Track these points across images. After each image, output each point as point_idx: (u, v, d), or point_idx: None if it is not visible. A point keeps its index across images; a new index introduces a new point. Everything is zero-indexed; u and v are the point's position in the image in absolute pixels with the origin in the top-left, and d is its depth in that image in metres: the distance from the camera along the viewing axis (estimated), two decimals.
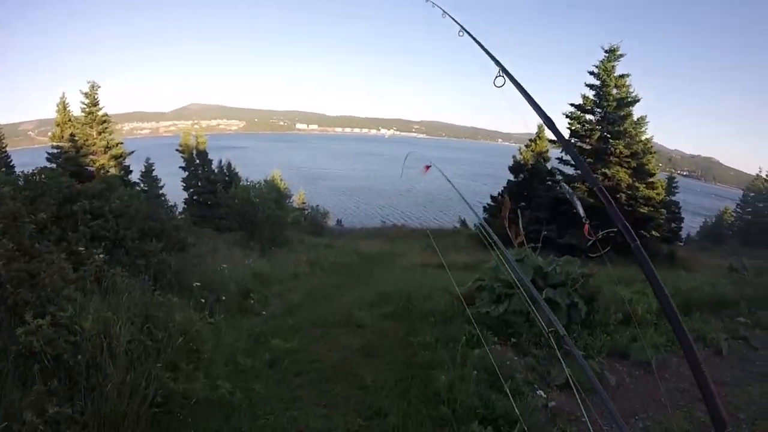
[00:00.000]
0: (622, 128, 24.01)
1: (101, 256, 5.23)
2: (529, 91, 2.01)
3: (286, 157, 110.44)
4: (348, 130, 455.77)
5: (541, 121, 1.95)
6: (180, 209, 35.17)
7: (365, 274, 14.53)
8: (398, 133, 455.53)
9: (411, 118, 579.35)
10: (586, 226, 1.74)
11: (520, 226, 6.53)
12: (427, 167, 3.89)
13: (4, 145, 35.67)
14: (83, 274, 4.60)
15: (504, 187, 32.11)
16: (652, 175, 24.65)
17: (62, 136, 27.99)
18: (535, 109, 1.94)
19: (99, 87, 29.30)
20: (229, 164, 37.27)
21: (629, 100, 24.16)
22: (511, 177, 31.73)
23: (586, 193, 22.31)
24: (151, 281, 5.79)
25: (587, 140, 24.40)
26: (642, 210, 23.40)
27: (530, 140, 32.09)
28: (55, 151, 28.28)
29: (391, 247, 27.18)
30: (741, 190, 50.32)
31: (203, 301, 6.10)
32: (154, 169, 34.47)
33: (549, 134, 31.12)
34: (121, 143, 30.42)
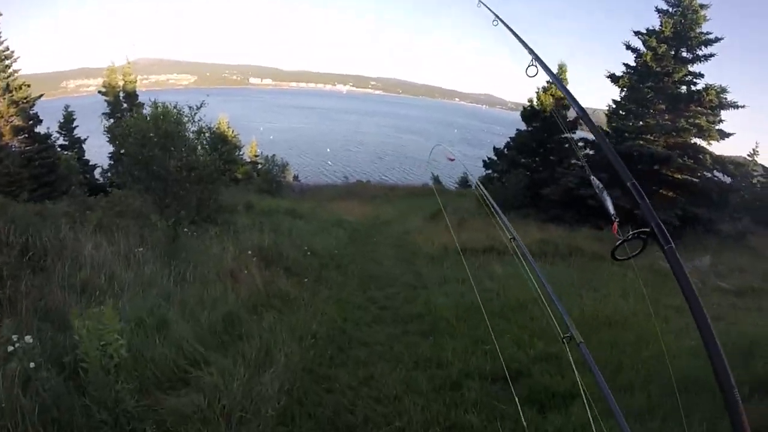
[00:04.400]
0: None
1: None
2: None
3: (232, 111, 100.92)
4: (303, 84, 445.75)
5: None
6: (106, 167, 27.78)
7: (389, 292, 7.29)
8: (354, 88, 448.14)
9: (367, 74, 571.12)
10: (615, 225, 1.51)
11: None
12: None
13: None
14: None
15: (510, 138, 25.04)
16: (728, 135, 17.91)
17: None
18: (569, 100, 1.90)
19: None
20: None
21: (712, 38, 17.08)
22: (522, 126, 24.46)
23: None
24: None
25: (664, 80, 17.17)
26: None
27: (548, 81, 24.56)
28: None
29: (376, 211, 19.92)
30: None
31: None
32: (75, 119, 27.22)
33: (570, 75, 24.86)
34: (28, 85, 23.01)
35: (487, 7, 2.57)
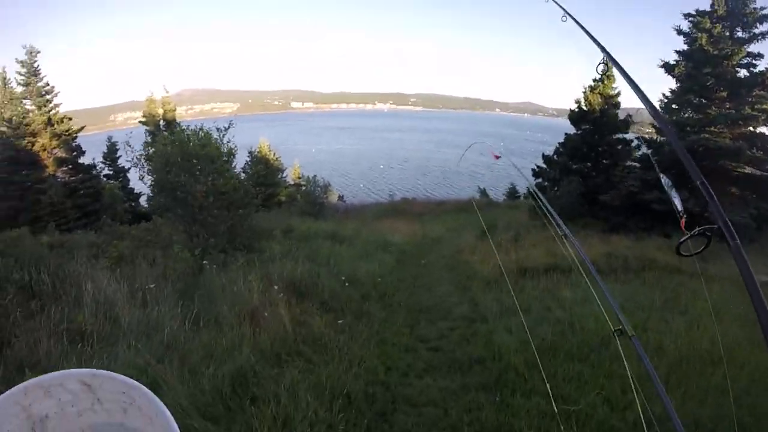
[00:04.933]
0: None
1: None
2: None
3: (274, 135, 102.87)
4: (344, 105, 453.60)
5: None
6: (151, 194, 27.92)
7: (442, 327, 6.18)
8: (395, 106, 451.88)
9: (406, 92, 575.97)
10: (683, 221, 1.56)
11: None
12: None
13: None
14: None
15: (559, 144, 23.47)
16: None
17: (2, 118, 22.04)
18: (639, 96, 1.78)
19: (38, 52, 23.08)
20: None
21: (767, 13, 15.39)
22: (568, 131, 22.96)
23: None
24: None
25: (723, 64, 15.58)
26: None
27: (594, 80, 22.96)
28: None
29: (423, 229, 18.80)
30: None
31: None
32: (118, 149, 27.38)
33: (617, 74, 22.95)
34: (69, 118, 24.35)
35: (556, 2, 2.47)
